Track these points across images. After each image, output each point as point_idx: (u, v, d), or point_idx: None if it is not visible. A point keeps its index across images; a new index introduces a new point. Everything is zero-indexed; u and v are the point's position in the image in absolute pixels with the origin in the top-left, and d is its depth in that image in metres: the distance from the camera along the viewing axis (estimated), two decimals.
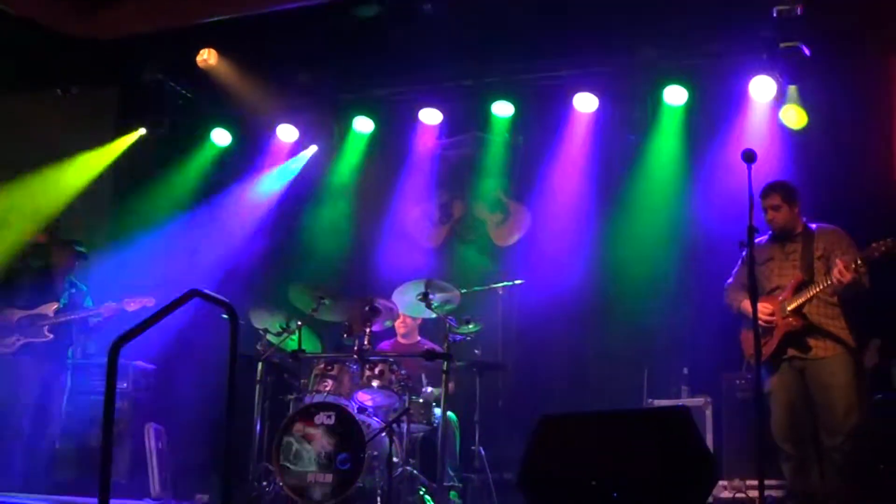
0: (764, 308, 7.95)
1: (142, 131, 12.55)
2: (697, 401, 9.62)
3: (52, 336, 10.38)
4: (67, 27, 11.41)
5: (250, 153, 12.62)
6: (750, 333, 7.73)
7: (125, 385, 10.72)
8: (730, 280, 8.48)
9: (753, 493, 8.20)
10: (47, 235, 12.89)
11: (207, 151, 12.65)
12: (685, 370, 10.02)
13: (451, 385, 9.29)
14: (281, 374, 9.79)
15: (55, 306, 10.49)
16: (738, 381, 9.53)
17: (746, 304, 7.73)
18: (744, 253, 7.35)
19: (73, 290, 10.74)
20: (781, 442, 7.97)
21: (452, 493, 9.21)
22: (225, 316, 6.04)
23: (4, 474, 10.02)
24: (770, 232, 8.35)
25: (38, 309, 10.44)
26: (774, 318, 8.00)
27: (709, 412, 9.59)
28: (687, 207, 10.62)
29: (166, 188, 12.61)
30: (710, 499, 7.33)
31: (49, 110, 13.30)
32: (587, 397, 10.46)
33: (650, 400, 9.80)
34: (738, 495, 8.90)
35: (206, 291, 6.03)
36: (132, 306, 10.37)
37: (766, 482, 6.52)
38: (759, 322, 7.65)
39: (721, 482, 8.85)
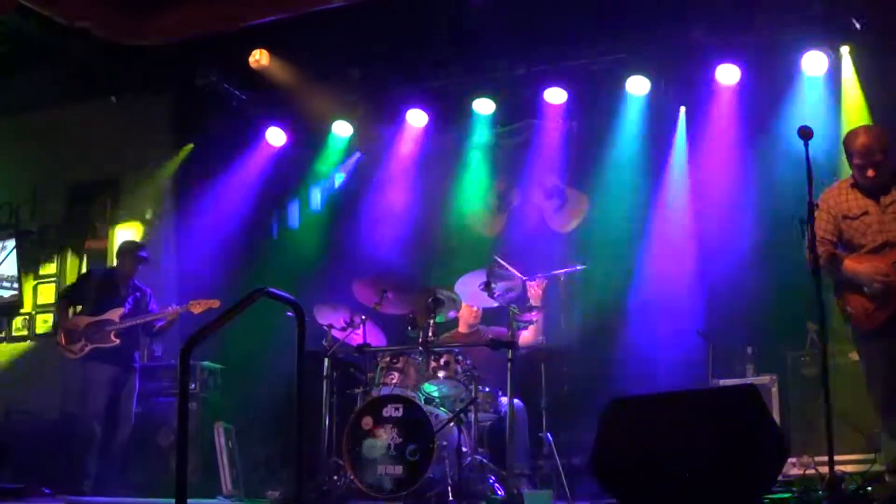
0: (877, 268, 7.48)
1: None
2: (763, 379, 9.59)
3: (118, 341, 10.51)
4: (119, 36, 11.52)
5: (306, 150, 12.70)
6: (859, 296, 7.54)
7: (193, 386, 10.84)
8: (817, 237, 7.52)
9: (823, 469, 8.15)
10: (108, 241, 13.08)
11: (263, 151, 12.74)
12: (749, 349, 9.99)
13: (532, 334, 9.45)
14: (347, 369, 9.84)
15: (120, 311, 10.62)
16: (803, 358, 9.50)
17: (851, 264, 7.53)
18: (815, 217, 6.99)
19: (138, 294, 10.87)
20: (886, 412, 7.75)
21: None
22: (290, 314, 6.09)
23: (79, 478, 10.17)
24: (854, 183, 7.77)
25: (105, 315, 10.58)
26: (891, 278, 7.43)
27: (775, 390, 9.55)
28: (746, 184, 10.57)
29: (224, 189, 12.72)
30: (780, 476, 7.32)
31: (105, 119, 13.46)
32: (651, 380, 10.42)
33: (715, 380, 9.77)
34: (808, 471, 8.86)
35: (273, 290, 6.09)
36: (198, 309, 10.48)
37: (836, 457, 6.47)
38: (875, 284, 7.40)
39: (790, 459, 8.80)
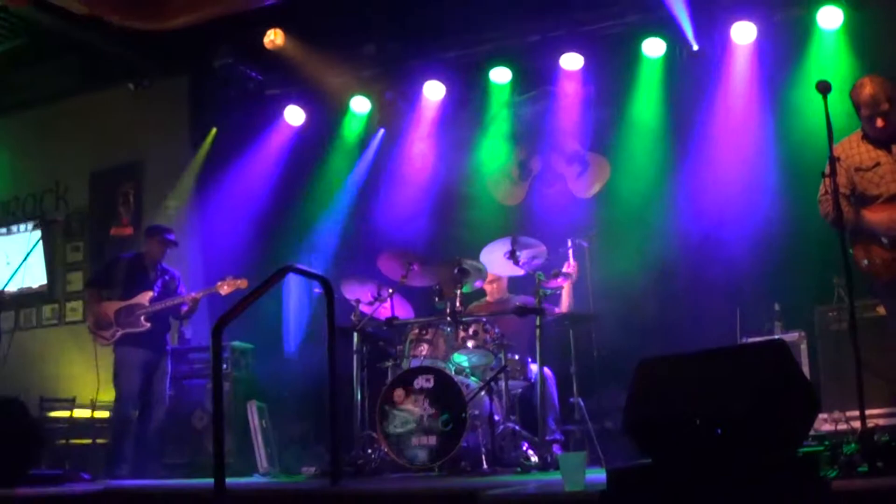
0: (892, 216, 7.56)
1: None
2: (791, 336, 9.56)
3: (149, 325, 10.56)
4: (133, 22, 11.55)
5: (326, 128, 12.73)
6: (876, 247, 7.59)
7: (225, 366, 10.87)
8: (823, 191, 7.70)
9: (856, 424, 8.15)
10: (134, 227, 13.16)
11: (283, 130, 12.79)
12: (776, 306, 9.98)
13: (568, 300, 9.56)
14: (376, 343, 9.88)
15: (150, 295, 10.68)
16: (830, 313, 9.48)
17: (870, 215, 7.56)
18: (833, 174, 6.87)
19: (167, 277, 10.92)
20: None
21: None
22: (317, 290, 6.13)
23: (116, 463, 10.25)
24: (864, 135, 7.80)
25: (134, 299, 10.63)
26: None
27: (804, 346, 9.51)
28: (767, 141, 10.54)
29: (245, 169, 12.78)
30: (812, 431, 7.33)
31: (124, 105, 13.53)
32: (680, 341, 10.37)
33: (744, 338, 9.76)
34: (839, 426, 8.85)
35: (301, 266, 6.14)
36: (226, 290, 10.53)
37: (868, 411, 6.46)
38: (892, 232, 7.49)
39: (821, 415, 8.80)
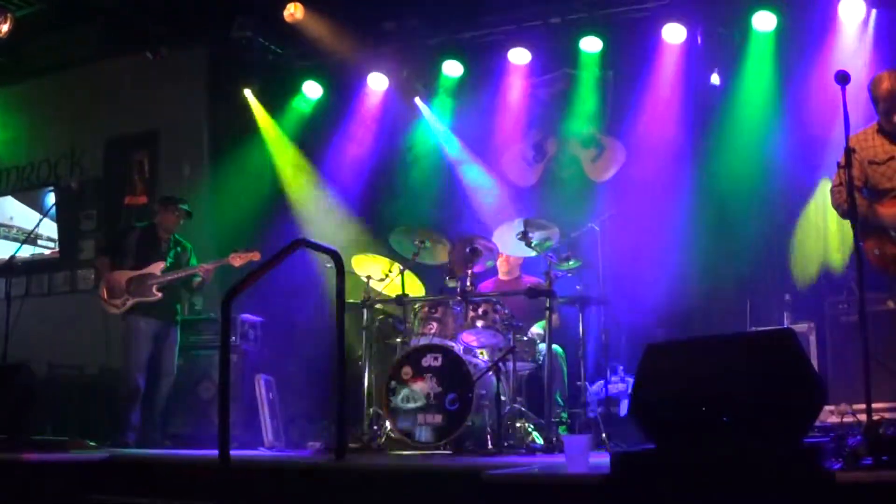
0: None
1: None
2: (801, 327, 9.54)
3: (160, 295, 10.58)
4: None
5: (342, 103, 12.72)
6: (886, 241, 7.55)
7: (233, 338, 10.87)
8: (837, 181, 7.65)
9: (862, 417, 8.12)
10: (148, 196, 13.16)
11: (300, 104, 12.79)
12: (787, 297, 9.96)
13: (555, 317, 9.35)
14: (386, 320, 9.89)
15: (162, 265, 10.70)
16: (840, 306, 9.45)
17: (882, 209, 7.52)
18: (848, 166, 6.77)
19: (179, 248, 10.93)
20: None
21: None
22: (329, 264, 6.13)
23: (122, 431, 10.28)
24: (880, 128, 7.75)
25: (146, 269, 10.65)
26: None
27: (813, 338, 9.48)
28: (782, 132, 10.50)
29: (262, 143, 12.80)
30: (818, 422, 7.32)
31: (142, 74, 13.50)
32: (689, 329, 10.42)
33: (753, 328, 9.74)
34: (845, 419, 8.82)
35: (312, 240, 6.13)
36: (238, 262, 10.56)
37: (875, 405, 6.45)
38: None
39: (827, 407, 8.77)
